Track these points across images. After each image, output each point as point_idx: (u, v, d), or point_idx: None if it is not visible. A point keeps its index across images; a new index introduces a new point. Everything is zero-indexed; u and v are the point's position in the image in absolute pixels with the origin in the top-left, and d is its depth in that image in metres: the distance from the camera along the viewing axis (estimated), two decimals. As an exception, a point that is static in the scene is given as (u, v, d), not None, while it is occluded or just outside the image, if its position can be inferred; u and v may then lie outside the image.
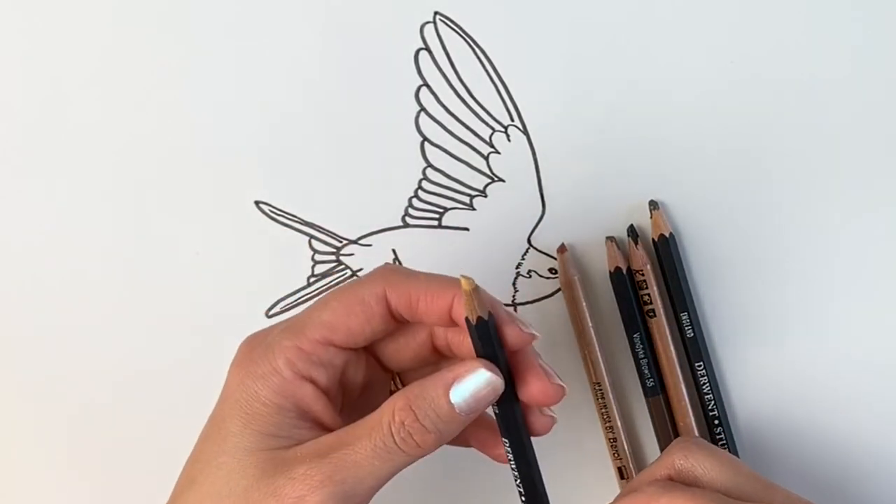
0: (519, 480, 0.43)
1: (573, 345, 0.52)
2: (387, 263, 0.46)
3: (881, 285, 0.51)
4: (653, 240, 0.51)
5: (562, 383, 0.43)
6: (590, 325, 0.51)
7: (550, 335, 0.53)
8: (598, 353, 0.52)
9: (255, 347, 0.43)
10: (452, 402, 0.41)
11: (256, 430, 0.42)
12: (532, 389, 0.42)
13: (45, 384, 0.54)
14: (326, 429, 0.43)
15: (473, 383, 0.41)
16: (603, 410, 0.52)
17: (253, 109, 0.52)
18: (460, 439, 0.45)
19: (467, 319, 0.42)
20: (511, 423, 0.43)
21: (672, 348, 0.52)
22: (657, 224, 0.51)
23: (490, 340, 0.42)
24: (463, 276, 0.42)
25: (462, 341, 0.44)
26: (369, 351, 0.45)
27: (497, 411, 0.43)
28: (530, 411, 0.44)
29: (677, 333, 0.52)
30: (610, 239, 0.51)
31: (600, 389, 0.52)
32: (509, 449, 0.43)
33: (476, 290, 0.42)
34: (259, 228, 0.53)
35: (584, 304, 0.51)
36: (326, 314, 0.43)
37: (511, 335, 0.42)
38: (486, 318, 0.42)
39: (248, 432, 0.42)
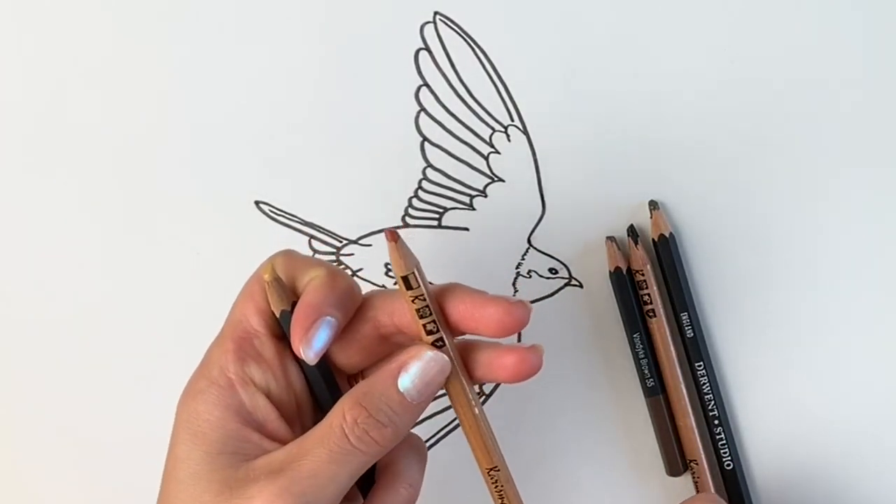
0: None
1: (574, 346, 0.52)
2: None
3: (881, 285, 0.51)
4: (653, 240, 0.51)
5: (520, 299, 0.41)
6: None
7: (552, 336, 0.53)
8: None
9: (195, 371, 0.43)
10: (402, 390, 0.40)
11: (204, 451, 0.40)
12: (490, 312, 0.41)
13: (43, 384, 0.54)
14: (275, 437, 0.41)
15: (420, 367, 0.40)
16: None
17: (253, 109, 0.52)
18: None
19: (283, 312, 0.41)
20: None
21: (672, 348, 0.52)
22: (657, 224, 0.51)
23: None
24: (266, 266, 0.41)
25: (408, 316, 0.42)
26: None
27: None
28: (498, 353, 0.42)
29: (677, 333, 0.52)
30: (610, 239, 0.51)
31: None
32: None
33: (277, 280, 0.41)
34: (259, 228, 0.53)
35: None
36: (234, 311, 0.43)
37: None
38: (288, 309, 0.41)
39: (195, 455, 0.40)
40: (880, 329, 0.52)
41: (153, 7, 0.52)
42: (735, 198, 0.51)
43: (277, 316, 0.41)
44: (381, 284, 0.53)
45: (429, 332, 0.41)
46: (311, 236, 0.53)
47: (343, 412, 0.40)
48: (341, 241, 0.53)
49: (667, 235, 0.51)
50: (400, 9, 0.51)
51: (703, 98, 0.51)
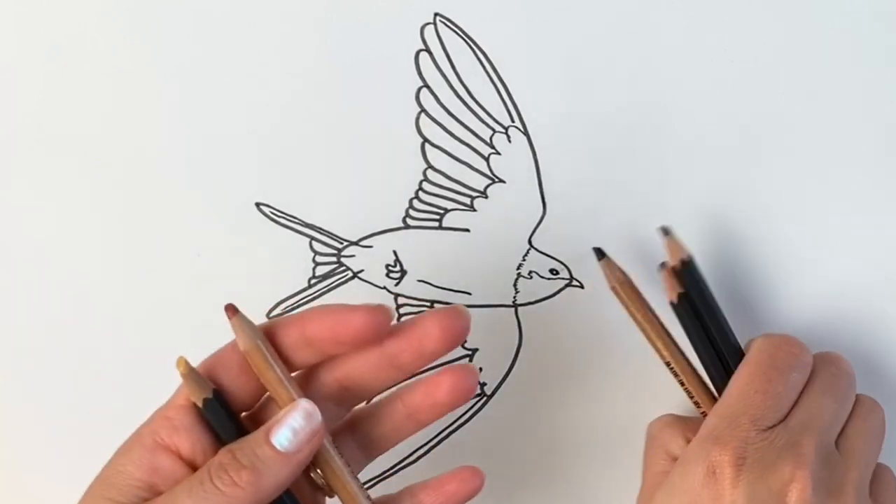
0: None
1: (574, 346, 0.52)
2: None
3: (881, 286, 0.51)
4: (673, 268, 0.49)
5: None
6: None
7: (553, 336, 0.53)
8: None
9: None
10: (273, 440, 0.41)
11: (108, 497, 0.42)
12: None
13: (43, 385, 0.54)
14: None
15: (290, 418, 0.42)
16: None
17: (253, 111, 0.52)
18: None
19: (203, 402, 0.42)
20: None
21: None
22: (673, 250, 0.49)
23: (225, 417, 0.42)
24: (179, 359, 0.43)
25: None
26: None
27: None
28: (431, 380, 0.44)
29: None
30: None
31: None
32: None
33: (190, 372, 0.42)
34: (260, 230, 0.53)
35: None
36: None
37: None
38: (209, 396, 0.42)
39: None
40: (881, 328, 0.52)
41: (154, 7, 0.51)
42: (735, 198, 0.51)
43: (200, 405, 0.42)
44: (381, 286, 0.53)
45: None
46: (312, 238, 0.53)
47: (217, 457, 0.41)
48: (342, 243, 0.53)
49: (686, 260, 0.49)
50: (400, 10, 0.51)
51: (703, 98, 0.51)
